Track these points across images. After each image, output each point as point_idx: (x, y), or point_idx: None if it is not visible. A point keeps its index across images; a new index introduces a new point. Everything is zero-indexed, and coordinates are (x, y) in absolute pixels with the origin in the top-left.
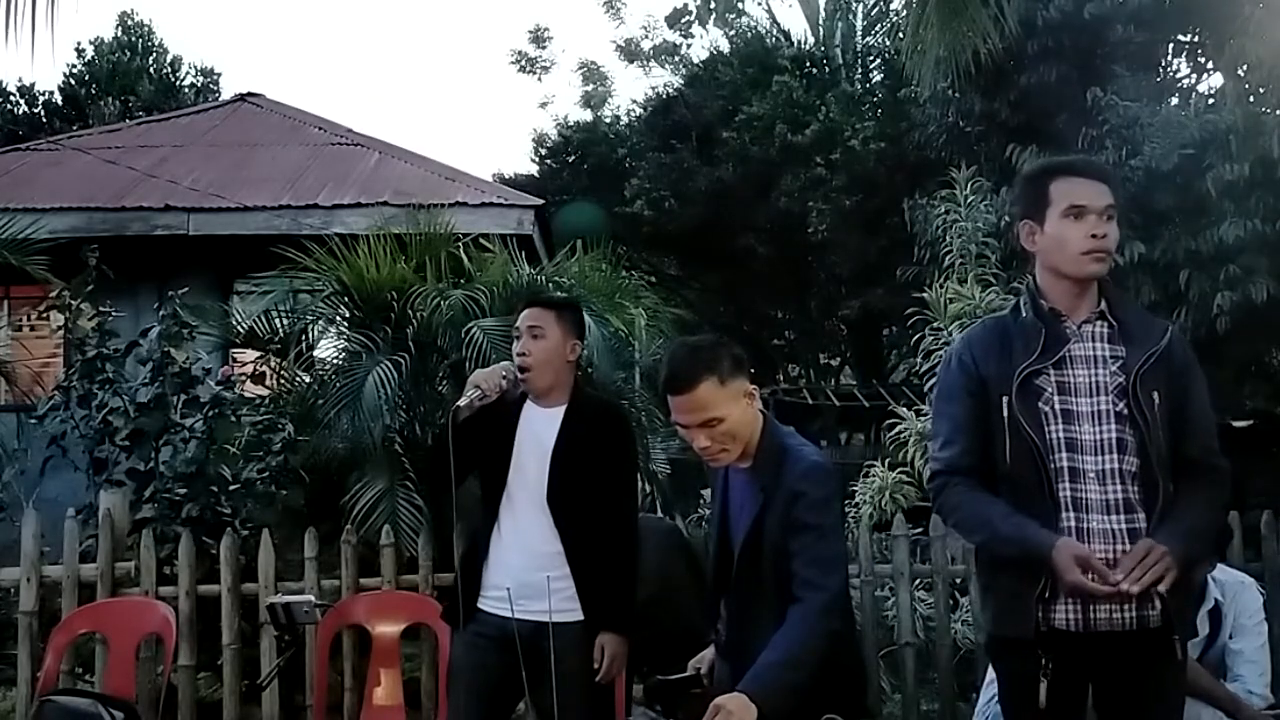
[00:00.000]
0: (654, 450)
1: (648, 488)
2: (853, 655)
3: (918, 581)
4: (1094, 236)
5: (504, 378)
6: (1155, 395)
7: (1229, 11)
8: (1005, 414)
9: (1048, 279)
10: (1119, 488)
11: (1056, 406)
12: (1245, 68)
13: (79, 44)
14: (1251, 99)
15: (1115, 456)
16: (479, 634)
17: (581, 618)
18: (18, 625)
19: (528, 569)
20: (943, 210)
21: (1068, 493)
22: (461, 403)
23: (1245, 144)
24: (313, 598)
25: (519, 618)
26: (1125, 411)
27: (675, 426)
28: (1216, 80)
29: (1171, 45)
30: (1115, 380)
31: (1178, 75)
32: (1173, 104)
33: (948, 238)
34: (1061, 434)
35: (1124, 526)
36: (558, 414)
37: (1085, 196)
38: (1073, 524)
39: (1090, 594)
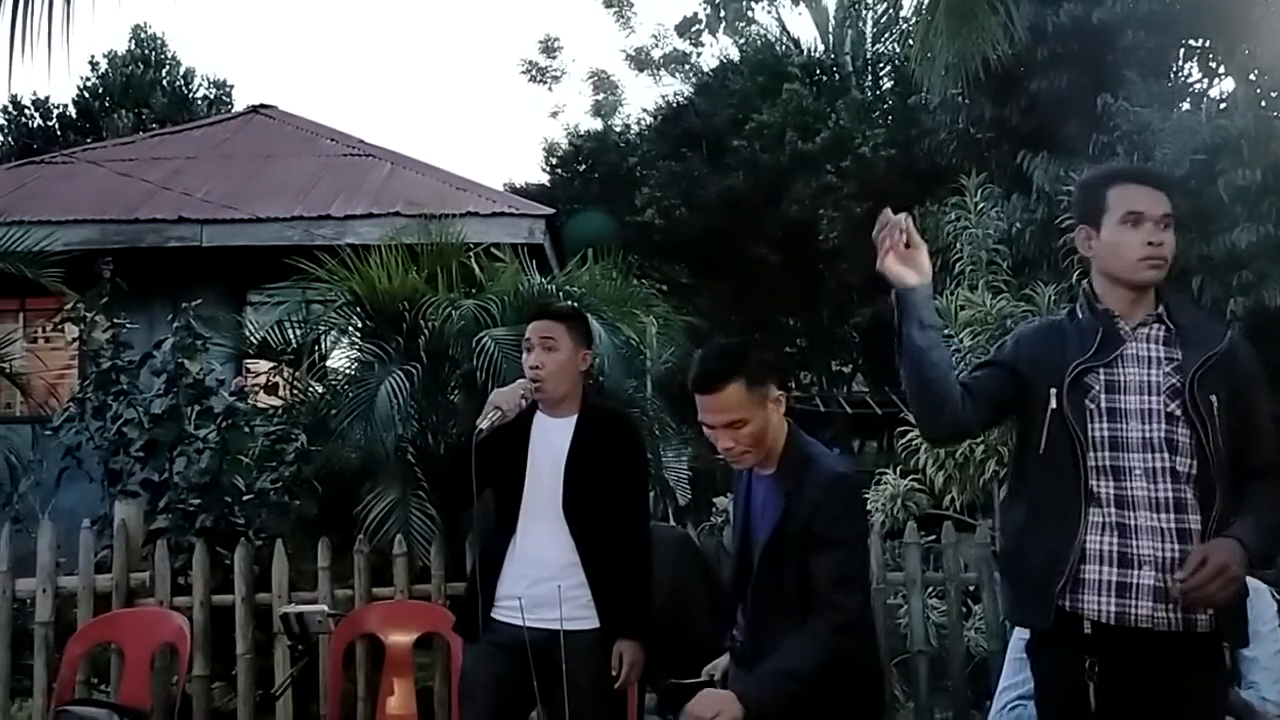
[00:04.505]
0: (665, 458)
1: (660, 497)
2: (871, 669)
3: (930, 589)
4: (1150, 244)
5: (523, 396)
6: (1214, 399)
7: (1239, 16)
8: (1053, 405)
9: (1103, 284)
10: (1169, 486)
11: (1102, 405)
12: (1257, 72)
13: (92, 57)
14: (1263, 103)
15: (1165, 455)
16: (491, 644)
17: (593, 625)
18: (34, 636)
19: (541, 579)
20: (953, 217)
21: (1110, 490)
22: (484, 424)
23: (1257, 149)
24: (326, 607)
25: (531, 626)
26: (1178, 413)
27: (702, 425)
28: (1228, 85)
29: (1182, 50)
30: (1169, 381)
31: (1189, 80)
32: (1184, 109)
33: (958, 244)
34: (1105, 432)
35: (1174, 526)
36: (569, 424)
37: (1143, 203)
38: (1115, 519)
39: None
